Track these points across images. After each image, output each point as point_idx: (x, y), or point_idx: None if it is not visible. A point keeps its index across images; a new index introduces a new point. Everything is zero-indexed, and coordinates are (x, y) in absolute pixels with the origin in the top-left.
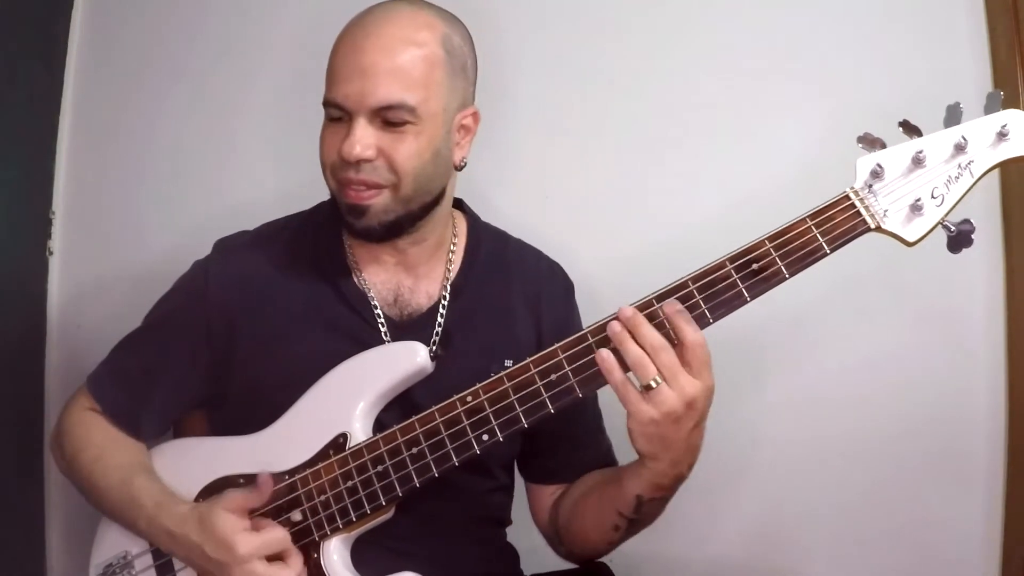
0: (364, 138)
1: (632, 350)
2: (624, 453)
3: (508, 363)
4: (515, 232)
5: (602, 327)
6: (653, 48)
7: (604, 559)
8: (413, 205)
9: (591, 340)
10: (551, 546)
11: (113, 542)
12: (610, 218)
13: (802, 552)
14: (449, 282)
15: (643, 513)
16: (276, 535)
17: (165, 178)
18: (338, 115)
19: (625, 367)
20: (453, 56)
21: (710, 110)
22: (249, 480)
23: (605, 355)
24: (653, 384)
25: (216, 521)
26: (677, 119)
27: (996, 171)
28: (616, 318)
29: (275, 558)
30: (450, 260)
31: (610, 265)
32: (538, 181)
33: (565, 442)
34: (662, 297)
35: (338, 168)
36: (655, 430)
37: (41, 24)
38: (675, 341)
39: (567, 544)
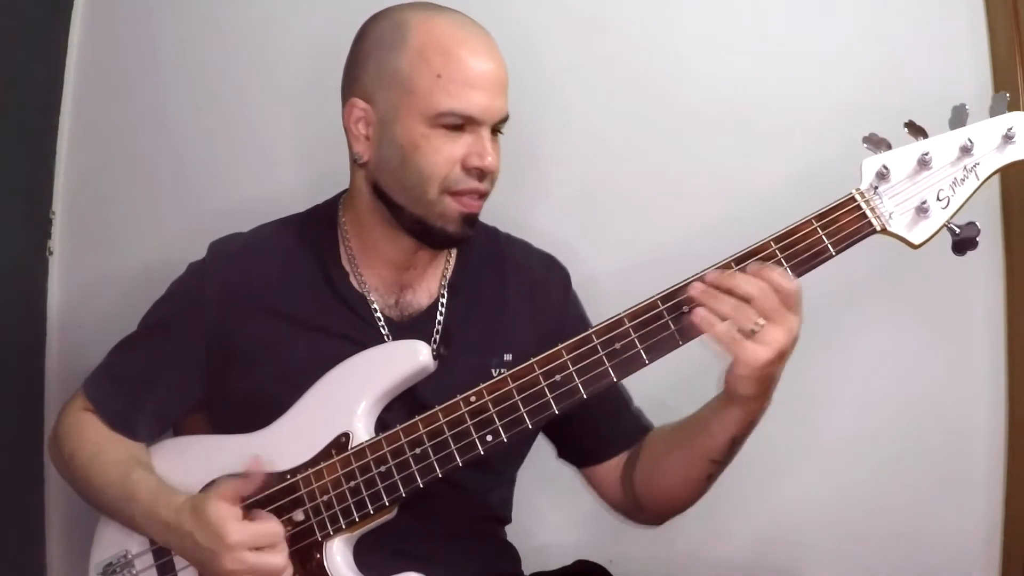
0: (495, 149)
1: (727, 300)
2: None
3: (508, 356)
4: (518, 231)
5: (607, 327)
6: (656, 49)
7: (603, 561)
8: None
9: (596, 341)
10: (628, 517)
11: (112, 541)
12: (612, 220)
13: (804, 553)
14: (446, 280)
15: (731, 454)
16: (269, 527)
17: (165, 178)
18: (458, 123)
19: None
20: None
21: (713, 112)
22: None
23: (703, 313)
24: (755, 328)
25: (208, 509)
26: (681, 121)
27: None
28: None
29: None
30: (447, 258)
31: (611, 268)
32: (538, 181)
33: (600, 416)
34: (669, 296)
35: (459, 179)
36: (768, 371)
37: (41, 24)
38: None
39: (650, 507)
